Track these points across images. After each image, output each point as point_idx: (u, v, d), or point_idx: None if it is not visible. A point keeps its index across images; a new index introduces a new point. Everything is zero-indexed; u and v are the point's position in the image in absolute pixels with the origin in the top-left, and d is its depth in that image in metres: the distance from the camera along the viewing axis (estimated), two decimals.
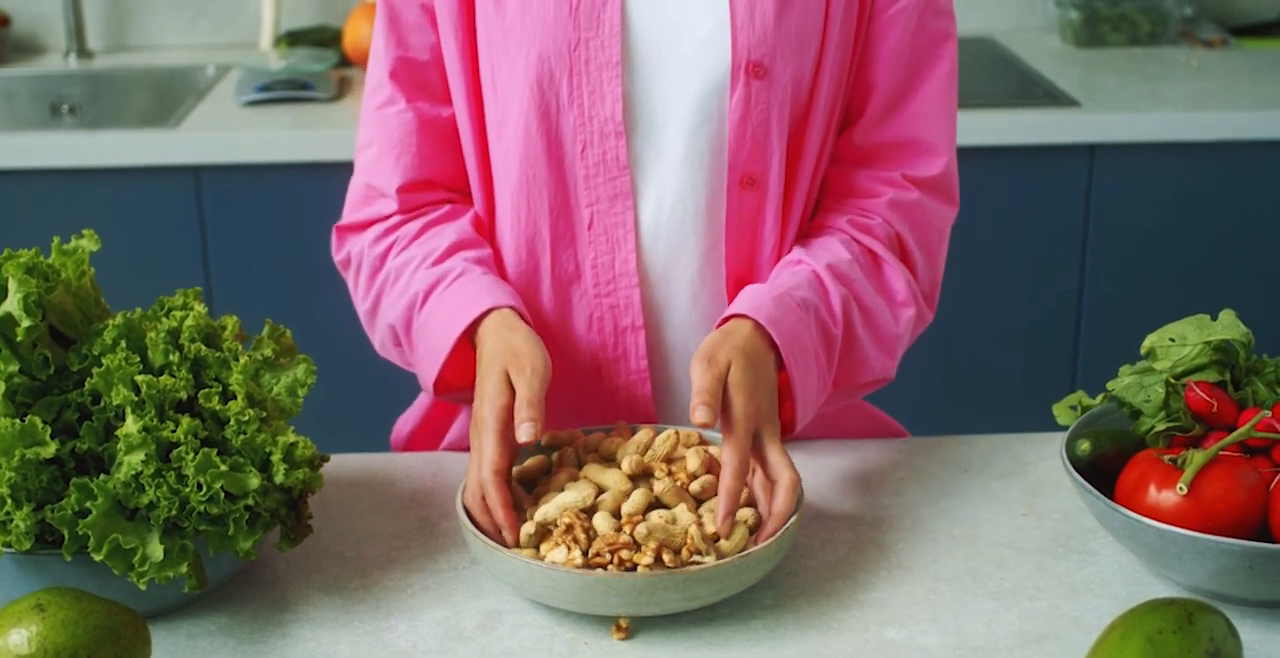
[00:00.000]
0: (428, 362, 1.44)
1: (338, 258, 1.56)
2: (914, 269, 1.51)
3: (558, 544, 1.24)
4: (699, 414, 1.27)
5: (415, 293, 1.46)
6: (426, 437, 1.65)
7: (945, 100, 1.49)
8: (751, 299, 1.39)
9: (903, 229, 1.49)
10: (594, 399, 1.51)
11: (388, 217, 1.51)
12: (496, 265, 1.50)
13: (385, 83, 1.50)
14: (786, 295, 1.40)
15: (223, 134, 2.69)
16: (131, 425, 1.21)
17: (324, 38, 3.20)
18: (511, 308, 1.41)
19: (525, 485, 1.36)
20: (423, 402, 1.66)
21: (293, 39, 3.19)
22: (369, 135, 1.52)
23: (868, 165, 1.50)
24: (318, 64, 3.00)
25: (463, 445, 1.60)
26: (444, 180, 1.52)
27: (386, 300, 1.49)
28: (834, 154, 1.51)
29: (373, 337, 1.55)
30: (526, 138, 1.44)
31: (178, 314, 1.30)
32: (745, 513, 1.29)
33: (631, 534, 1.23)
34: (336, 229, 1.55)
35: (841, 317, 1.43)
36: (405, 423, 1.68)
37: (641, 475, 1.33)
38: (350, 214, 1.54)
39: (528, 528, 1.27)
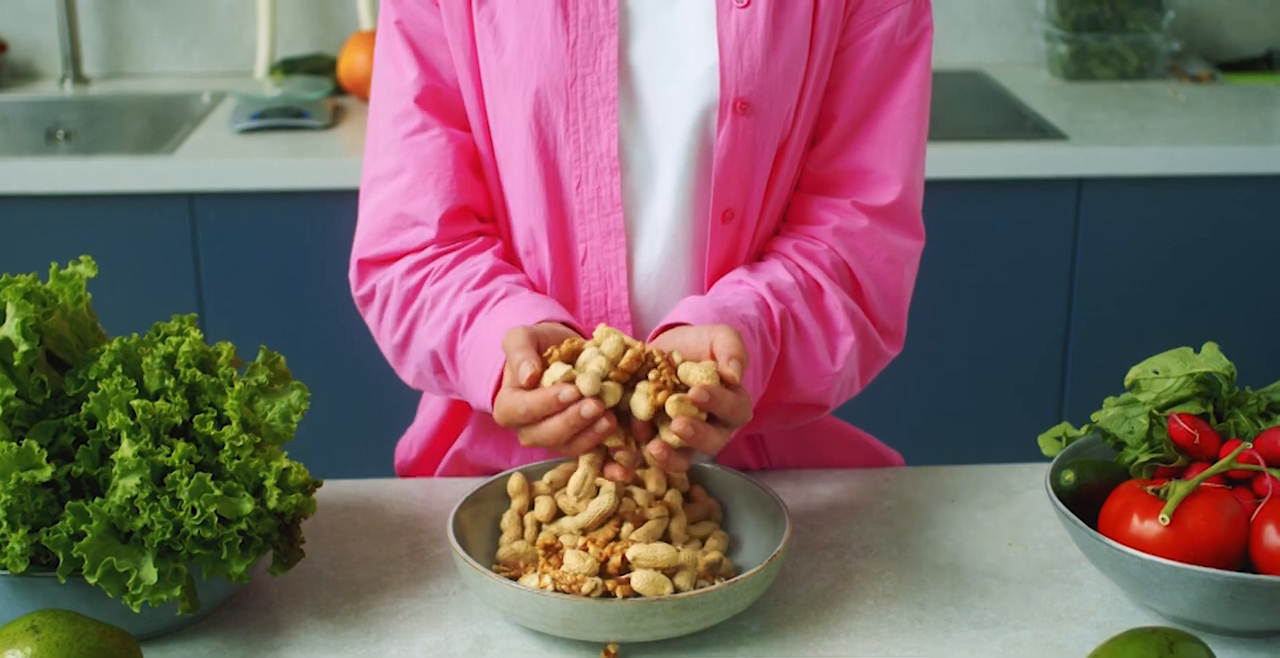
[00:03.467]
0: (479, 380, 1.39)
1: (358, 293, 1.51)
2: (866, 301, 1.49)
3: (542, 572, 1.27)
4: (732, 367, 1.24)
5: (459, 316, 1.42)
6: (434, 458, 1.64)
7: (904, 131, 1.48)
8: (694, 310, 1.37)
9: (849, 257, 1.48)
10: None
11: (422, 247, 1.47)
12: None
13: (414, 110, 1.47)
14: (730, 312, 1.38)
15: (217, 161, 2.70)
16: (127, 450, 1.22)
17: (319, 66, 3.21)
18: (565, 323, 1.37)
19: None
20: (425, 422, 1.64)
21: (288, 67, 3.20)
22: (396, 163, 1.48)
23: (820, 192, 1.50)
24: (313, 92, 3.01)
25: (467, 457, 1.59)
26: (479, 208, 1.50)
27: (423, 328, 1.45)
28: None
29: (403, 371, 1.51)
30: (527, 172, 1.44)
31: (173, 340, 1.31)
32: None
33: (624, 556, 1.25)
34: (359, 263, 1.50)
35: (780, 335, 1.42)
36: (410, 447, 1.65)
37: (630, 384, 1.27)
38: (373, 246, 1.49)
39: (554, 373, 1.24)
